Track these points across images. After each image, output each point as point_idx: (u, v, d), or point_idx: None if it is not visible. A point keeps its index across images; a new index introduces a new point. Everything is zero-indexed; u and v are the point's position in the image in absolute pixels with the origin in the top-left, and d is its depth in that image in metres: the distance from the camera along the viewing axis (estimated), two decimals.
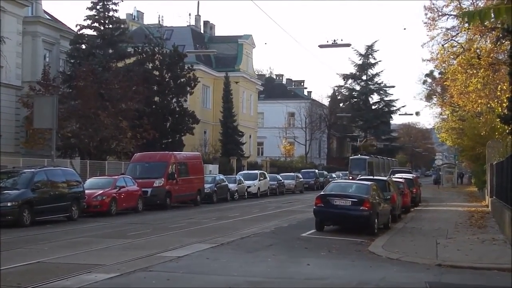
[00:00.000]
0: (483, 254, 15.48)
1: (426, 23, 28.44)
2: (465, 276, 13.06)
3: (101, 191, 27.67)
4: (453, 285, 12.43)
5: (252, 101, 71.57)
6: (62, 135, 37.49)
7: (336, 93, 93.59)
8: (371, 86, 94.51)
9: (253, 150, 71.75)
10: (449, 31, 28.64)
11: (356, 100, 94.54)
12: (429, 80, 61.37)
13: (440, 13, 28.09)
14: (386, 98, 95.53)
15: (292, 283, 12.16)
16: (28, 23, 40.69)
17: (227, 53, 62.83)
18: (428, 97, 61.58)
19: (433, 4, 28.36)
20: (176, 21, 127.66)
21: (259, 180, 45.96)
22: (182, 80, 47.40)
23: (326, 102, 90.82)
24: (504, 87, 24.52)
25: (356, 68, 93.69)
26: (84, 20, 42.94)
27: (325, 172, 68.02)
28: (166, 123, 46.71)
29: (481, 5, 25.07)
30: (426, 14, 28.42)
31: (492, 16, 7.96)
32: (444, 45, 28.79)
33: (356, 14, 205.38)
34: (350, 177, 54.24)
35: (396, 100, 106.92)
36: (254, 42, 69.82)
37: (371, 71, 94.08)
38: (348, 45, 34.57)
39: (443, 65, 31.79)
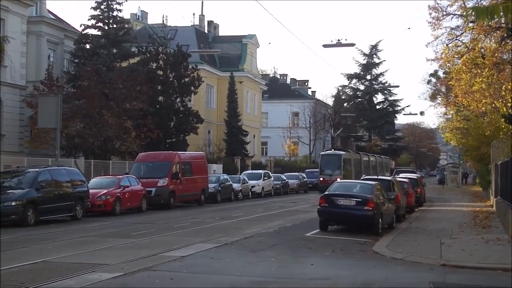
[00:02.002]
0: (487, 254, 15.44)
1: (430, 22, 28.39)
2: (469, 276, 13.04)
3: (105, 191, 27.69)
4: (457, 285, 12.40)
5: (256, 101, 71.55)
6: (66, 134, 37.53)
7: (340, 93, 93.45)
8: (375, 86, 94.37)
9: (257, 150, 71.72)
10: (453, 31, 28.59)
11: (360, 99, 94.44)
12: (433, 79, 61.39)
13: (444, 13, 28.04)
14: (390, 98, 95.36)
15: (296, 283, 12.14)
16: (33, 22, 40.74)
17: (231, 53, 62.80)
18: (433, 97, 61.55)
19: (438, 3, 28.32)
20: (180, 21, 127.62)
21: (263, 179, 45.97)
22: (186, 79, 47.41)
23: (330, 102, 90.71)
24: (508, 86, 24.48)
25: (360, 67, 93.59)
26: (88, 20, 43.03)
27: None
28: (170, 122, 46.72)
29: (485, 4, 25.01)
30: (430, 14, 28.36)
31: (501, 13, 7.91)
32: (449, 45, 28.75)
33: (360, 14, 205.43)
34: (321, 179, 49.30)
35: (401, 100, 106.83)
36: (258, 41, 69.82)
37: (375, 71, 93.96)
38: (352, 44, 34.51)
39: (448, 64, 31.75)
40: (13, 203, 21.77)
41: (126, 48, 44.66)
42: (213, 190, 37.31)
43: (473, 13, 8.38)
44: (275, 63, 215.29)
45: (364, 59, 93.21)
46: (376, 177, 34.39)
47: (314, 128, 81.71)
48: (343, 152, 53.86)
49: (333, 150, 55.93)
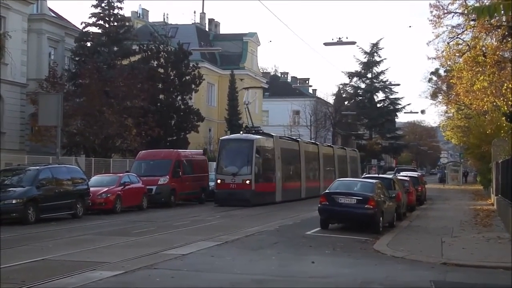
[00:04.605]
0: (488, 253, 15.43)
1: (431, 20, 28.32)
2: (470, 275, 13.03)
3: (106, 189, 27.68)
4: (458, 284, 12.38)
5: (257, 99, 71.52)
6: (67, 132, 37.54)
7: (341, 91, 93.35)
8: (376, 84, 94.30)
9: None
10: (454, 29, 28.52)
11: (361, 98, 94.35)
12: (434, 78, 61.16)
13: (445, 11, 27.96)
14: (391, 96, 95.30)
15: (297, 281, 12.13)
16: (33, 20, 40.73)
17: (232, 51, 62.73)
18: (434, 95, 61.39)
19: (439, 1, 28.24)
20: (181, 19, 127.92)
21: None
22: (187, 77, 47.38)
23: (331, 100, 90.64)
24: (510, 85, 24.43)
25: (361, 66, 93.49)
26: (89, 17, 43.01)
27: None
28: (171, 120, 46.69)
29: (486, 3, 24.97)
30: (431, 12, 28.29)
31: (502, 11, 7.88)
32: (450, 43, 28.66)
33: (361, 12, 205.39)
34: (218, 181, 32.36)
35: (402, 98, 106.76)
36: (259, 40, 69.76)
37: (376, 69, 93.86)
38: (353, 43, 34.47)
39: (449, 63, 31.67)
40: (14, 201, 21.79)
41: (127, 46, 44.66)
42: (214, 188, 37.24)
43: (473, 13, 8.39)
44: (276, 61, 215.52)
45: (365, 57, 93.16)
46: (376, 175, 34.33)
47: (315, 126, 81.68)
48: (258, 137, 34.25)
49: (241, 133, 36.78)
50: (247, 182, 31.79)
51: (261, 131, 37.13)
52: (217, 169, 32.90)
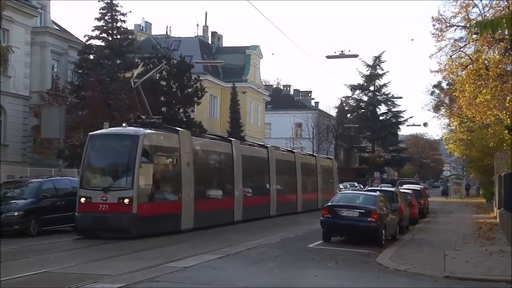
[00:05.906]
0: (491, 266, 15.38)
1: (434, 34, 28.43)
2: None
3: None
4: None
5: (259, 112, 71.60)
6: (70, 144, 37.55)
7: (344, 104, 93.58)
8: (378, 97, 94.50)
9: None
10: (457, 42, 28.61)
11: (363, 111, 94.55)
12: (437, 91, 61.27)
13: (448, 24, 28.06)
14: (393, 109, 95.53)
15: None
16: (37, 33, 40.85)
17: (234, 64, 62.84)
18: (436, 108, 61.44)
19: (441, 15, 28.34)
20: (184, 32, 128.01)
21: None
22: (189, 90, 47.43)
23: (333, 112, 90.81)
24: None
25: (363, 79, 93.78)
26: (92, 30, 43.06)
27: None
28: None
29: (489, 16, 25.04)
30: (434, 25, 28.41)
31: (505, 26, 7.91)
32: (452, 56, 28.75)
33: (364, 25, 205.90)
34: (82, 199, 21.46)
35: (404, 111, 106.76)
36: (262, 52, 69.87)
37: (378, 82, 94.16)
38: (355, 56, 34.50)
39: (451, 76, 31.72)
40: (16, 213, 21.75)
41: (130, 59, 44.70)
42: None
43: (476, 28, 8.43)
44: (278, 74, 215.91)
45: (367, 70, 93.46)
46: (379, 188, 34.28)
47: (317, 139, 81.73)
48: (148, 131, 22.72)
49: (124, 125, 24.00)
50: (126, 201, 20.98)
51: (161, 124, 25.01)
52: (81, 181, 22.31)
